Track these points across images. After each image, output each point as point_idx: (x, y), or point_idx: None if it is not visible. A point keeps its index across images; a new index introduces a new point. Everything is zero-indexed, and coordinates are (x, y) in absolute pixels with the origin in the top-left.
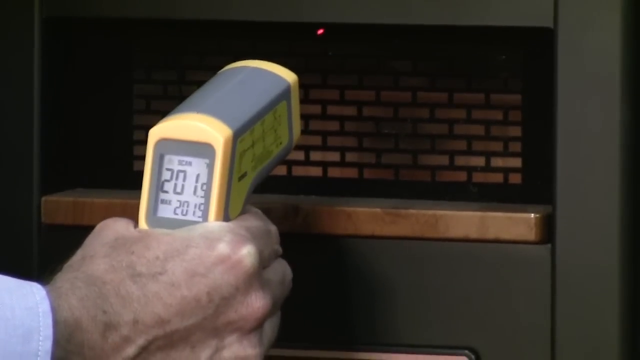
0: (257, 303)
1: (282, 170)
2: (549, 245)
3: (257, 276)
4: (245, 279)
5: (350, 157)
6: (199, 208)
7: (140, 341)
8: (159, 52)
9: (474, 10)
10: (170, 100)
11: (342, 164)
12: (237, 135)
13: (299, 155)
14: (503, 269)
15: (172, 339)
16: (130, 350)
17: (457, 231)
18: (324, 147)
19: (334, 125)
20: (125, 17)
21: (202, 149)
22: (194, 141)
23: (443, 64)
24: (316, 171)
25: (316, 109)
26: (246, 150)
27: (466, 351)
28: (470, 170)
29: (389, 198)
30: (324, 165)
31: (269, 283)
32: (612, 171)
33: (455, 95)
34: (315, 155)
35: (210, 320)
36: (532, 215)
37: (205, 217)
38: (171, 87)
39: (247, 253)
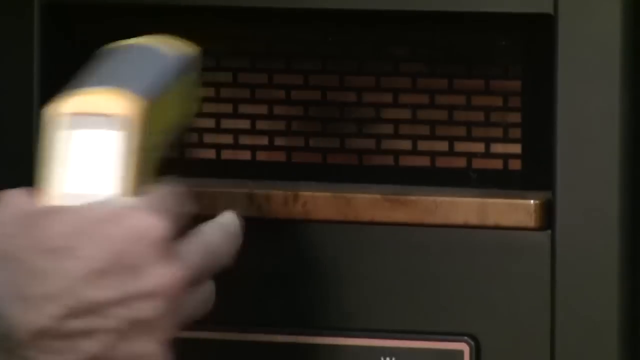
0: (168, 274)
1: (281, 157)
2: (549, 232)
3: (168, 247)
4: (156, 250)
5: (349, 143)
6: (109, 182)
7: (55, 313)
8: None
9: None
10: None
11: (341, 149)
12: (146, 107)
13: (299, 142)
14: (502, 255)
15: (85, 311)
16: (44, 322)
17: (456, 217)
18: (324, 133)
19: (333, 112)
20: (125, 2)
21: (111, 122)
22: (103, 114)
23: (443, 50)
24: (315, 157)
25: (316, 94)
26: (155, 122)
27: (465, 337)
28: (469, 156)
29: (388, 184)
30: (323, 151)
31: (187, 253)
32: (611, 157)
33: (455, 82)
34: (314, 142)
35: (121, 291)
36: (532, 201)
37: (115, 190)
38: None
39: (157, 224)
